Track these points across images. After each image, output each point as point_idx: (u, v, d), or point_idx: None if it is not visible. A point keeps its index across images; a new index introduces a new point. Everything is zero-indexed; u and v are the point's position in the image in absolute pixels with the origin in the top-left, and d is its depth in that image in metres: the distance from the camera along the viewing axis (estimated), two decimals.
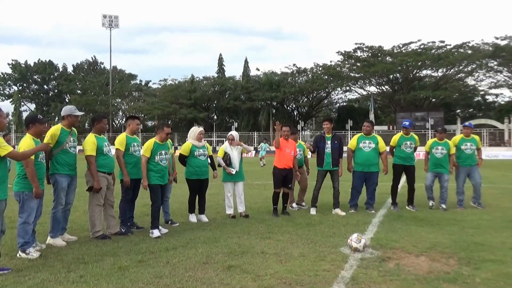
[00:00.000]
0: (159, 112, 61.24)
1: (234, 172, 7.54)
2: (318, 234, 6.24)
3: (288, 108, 65.06)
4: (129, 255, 5.07)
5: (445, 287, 4.04)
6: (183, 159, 7.26)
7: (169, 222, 7.00)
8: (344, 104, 65.57)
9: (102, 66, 79.30)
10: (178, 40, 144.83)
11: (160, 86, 69.94)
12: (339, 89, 59.58)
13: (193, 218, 7.31)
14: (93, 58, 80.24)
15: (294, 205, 8.80)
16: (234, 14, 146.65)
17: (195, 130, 7.31)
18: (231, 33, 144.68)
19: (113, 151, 6.14)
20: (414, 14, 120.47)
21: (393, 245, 5.53)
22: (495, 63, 51.11)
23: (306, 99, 62.03)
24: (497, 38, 49.70)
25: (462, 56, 49.63)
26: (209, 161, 7.48)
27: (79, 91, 72.63)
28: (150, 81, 75.56)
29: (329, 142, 8.00)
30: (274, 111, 60.56)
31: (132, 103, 72.59)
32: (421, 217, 7.49)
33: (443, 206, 8.50)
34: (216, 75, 69.17)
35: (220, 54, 71.64)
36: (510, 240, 5.78)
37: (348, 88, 59.21)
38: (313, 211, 8.07)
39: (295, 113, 65.18)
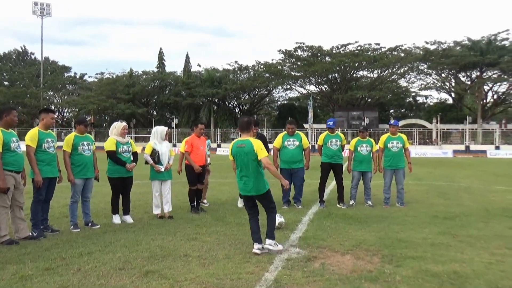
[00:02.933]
0: (95, 106, 58.71)
1: (162, 169, 7.20)
2: (247, 234, 6.02)
3: (230, 105, 64.85)
4: (36, 262, 4.59)
5: (366, 286, 4.01)
6: (114, 155, 6.77)
7: (89, 224, 6.51)
8: (285, 102, 66.51)
9: (32, 56, 74.51)
10: (118, 33, 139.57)
11: (96, 80, 66.94)
12: (280, 87, 60.21)
13: (116, 219, 6.87)
14: (23, 48, 75.26)
15: (205, 201, 8.73)
16: (177, 9, 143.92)
17: (119, 125, 6.88)
18: (174, 28, 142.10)
19: (23, 147, 5.59)
20: (352, 16, 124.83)
21: (321, 244, 5.48)
22: (425, 66, 54.12)
23: (247, 97, 62.13)
24: (427, 43, 52.70)
25: (396, 58, 52.02)
26: (132, 158, 7.06)
27: (6, 83, 67.72)
28: (86, 74, 72.21)
29: None
30: (215, 107, 60.10)
31: (65, 97, 68.90)
32: (350, 215, 7.56)
33: (369, 203, 8.67)
34: (156, 70, 67.44)
35: (161, 49, 70.32)
36: (431, 236, 5.94)
37: (289, 86, 60.02)
38: (240, 203, 8.31)
39: (237, 110, 65.11)
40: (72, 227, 6.27)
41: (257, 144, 5.14)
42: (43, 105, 62.85)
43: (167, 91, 63.73)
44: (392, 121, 9.29)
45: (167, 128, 7.20)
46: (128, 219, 6.93)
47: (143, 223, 6.85)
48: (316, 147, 8.78)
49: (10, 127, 5.57)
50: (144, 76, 64.98)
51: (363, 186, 8.81)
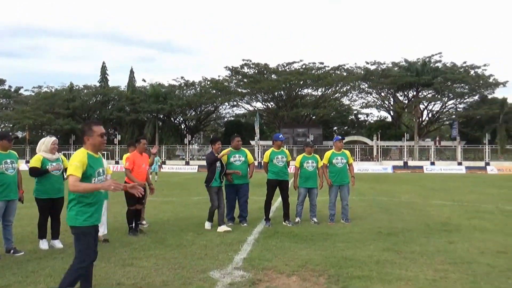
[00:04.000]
0: (31, 122, 55.45)
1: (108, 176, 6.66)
2: (188, 256, 5.70)
3: (176, 121, 63.86)
4: None
5: None
6: (36, 171, 6.12)
7: (11, 251, 5.83)
8: (232, 118, 66.55)
9: None
10: (57, 45, 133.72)
11: (33, 94, 63.44)
12: (226, 103, 60.24)
13: (43, 244, 6.23)
14: None
15: (144, 222, 8.26)
16: (121, 23, 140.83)
17: (47, 140, 6.28)
18: (118, 42, 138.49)
19: None
20: (297, 36, 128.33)
21: (266, 265, 5.24)
22: (366, 85, 56.54)
23: (194, 113, 61.51)
24: (367, 63, 55.21)
25: (338, 77, 53.90)
26: (65, 175, 6.48)
27: None
28: (22, 87, 68.14)
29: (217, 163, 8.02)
30: (160, 123, 58.89)
31: None
32: (296, 233, 7.40)
33: (315, 219, 8.59)
34: (98, 84, 65.17)
35: (104, 63, 68.06)
36: (376, 253, 5.89)
37: (235, 103, 60.23)
38: (208, 225, 7.90)
39: (183, 126, 64.19)
40: None
41: None
42: None
43: (110, 106, 61.66)
44: (336, 137, 9.28)
45: (53, 138, 6.27)
46: (57, 244, 6.31)
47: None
48: (262, 164, 8.60)
49: None
50: (85, 91, 62.56)
51: (309, 202, 8.72)
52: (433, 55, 54.06)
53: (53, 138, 6.37)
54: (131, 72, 65.80)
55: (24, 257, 5.69)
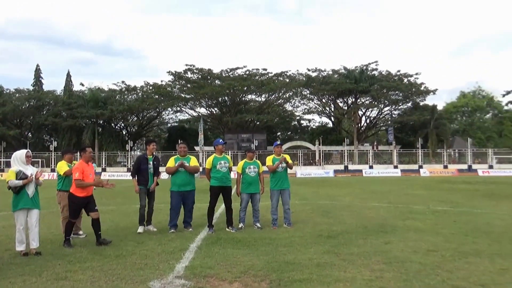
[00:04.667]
0: None
1: (33, 176, 6.30)
2: (128, 267, 5.51)
3: (116, 127, 61.82)
4: None
5: None
6: None
7: None
8: (175, 124, 65.58)
9: None
10: None
11: None
12: (170, 109, 59.29)
13: None
14: None
15: (81, 232, 8.01)
16: (55, 22, 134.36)
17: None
18: (52, 44, 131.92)
19: None
20: (240, 41, 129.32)
21: (208, 273, 5.19)
22: (308, 91, 57.99)
23: (136, 118, 59.90)
24: (309, 70, 56.73)
25: (281, 84, 54.84)
26: None
27: None
28: None
29: (151, 162, 8.43)
30: (100, 129, 56.75)
31: None
32: (239, 239, 7.40)
33: (258, 225, 8.65)
34: (32, 88, 61.66)
35: (38, 66, 64.72)
36: (317, 256, 6.03)
37: (179, 108, 59.40)
38: (140, 229, 8.25)
39: (124, 132, 62.27)
40: None
41: None
42: None
43: (44, 112, 58.56)
44: (276, 143, 9.46)
45: (27, 150, 6.29)
46: None
47: (2, 262, 5.84)
48: (205, 170, 8.57)
49: None
50: (17, 95, 59.03)
51: (252, 208, 8.76)
52: (370, 63, 56.66)
53: (26, 151, 6.02)
54: (68, 75, 63.00)
55: None
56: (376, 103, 56.53)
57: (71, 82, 62.63)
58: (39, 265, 5.62)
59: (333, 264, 5.57)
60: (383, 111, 58.76)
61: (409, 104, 58.69)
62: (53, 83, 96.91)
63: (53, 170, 50.22)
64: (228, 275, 5.09)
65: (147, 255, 6.20)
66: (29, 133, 61.53)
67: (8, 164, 47.45)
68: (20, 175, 6.31)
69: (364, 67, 56.52)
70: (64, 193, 7.71)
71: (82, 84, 60.13)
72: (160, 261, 5.83)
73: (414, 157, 54.60)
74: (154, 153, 8.68)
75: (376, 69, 56.77)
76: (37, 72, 64.10)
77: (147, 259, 5.98)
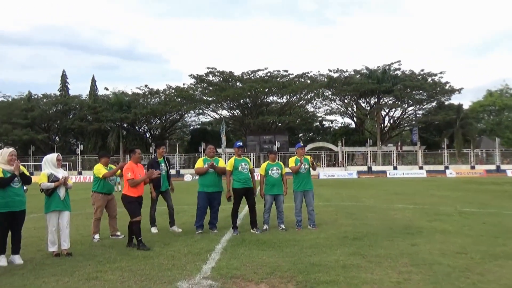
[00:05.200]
0: None
1: (62, 179, 6.48)
2: (156, 268, 5.61)
3: (140, 130, 62.81)
4: None
5: None
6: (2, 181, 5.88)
7: None
8: (198, 126, 66.18)
9: None
10: (12, 53, 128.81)
11: None
12: (192, 112, 59.86)
13: (2, 261, 5.95)
14: None
15: (118, 233, 8.14)
16: (81, 29, 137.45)
17: (4, 151, 6.04)
18: (77, 50, 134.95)
19: None
20: (262, 44, 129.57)
21: (234, 274, 5.23)
22: (330, 92, 57.62)
23: (159, 121, 60.71)
24: (330, 71, 56.35)
25: (303, 85, 54.67)
26: (24, 188, 6.26)
27: None
28: None
29: (162, 164, 8.60)
30: (124, 132, 57.74)
31: None
32: (264, 240, 7.43)
33: (282, 226, 8.65)
34: (58, 93, 63.28)
35: (64, 71, 66.38)
36: (343, 258, 6.00)
37: (201, 111, 59.94)
38: (154, 229, 8.53)
39: (148, 135, 63.21)
40: None
41: None
42: None
43: (71, 116, 60.00)
44: (299, 144, 9.47)
45: (11, 149, 6.29)
46: (17, 259, 6.06)
47: (35, 263, 6.04)
48: (226, 172, 8.61)
49: None
50: (44, 100, 60.65)
51: (276, 209, 8.77)
52: (392, 63, 55.92)
53: (11, 149, 6.14)
54: (93, 80, 64.37)
55: None
56: (399, 103, 55.73)
57: (96, 87, 64.01)
58: (70, 266, 5.78)
59: (360, 266, 5.54)
60: (407, 111, 57.92)
61: (434, 104, 57.68)
62: (79, 88, 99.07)
63: (79, 173, 51.47)
64: (254, 276, 5.12)
65: (174, 256, 6.29)
66: (57, 137, 63.10)
67: (36, 168, 48.82)
68: (51, 178, 6.51)
69: (387, 67, 55.83)
70: (99, 194, 7.93)
71: (106, 89, 61.32)
72: (187, 262, 5.91)
73: (439, 158, 53.56)
74: (164, 155, 8.94)
75: (399, 69, 56.03)
76: (63, 77, 65.75)
77: (174, 260, 6.07)
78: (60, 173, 6.62)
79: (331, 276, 5.06)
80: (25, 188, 6.36)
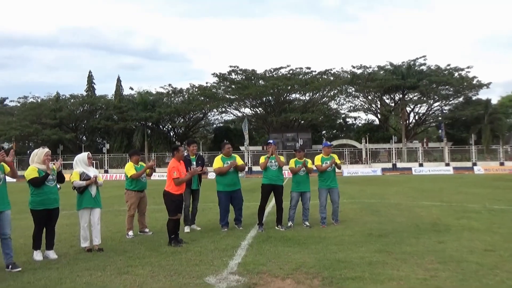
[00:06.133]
0: (17, 133, 54.90)
1: (94, 179, 6.72)
2: (184, 263, 5.76)
3: (164, 128, 63.71)
4: None
5: None
6: (38, 180, 6.12)
7: (10, 266, 5.60)
8: (221, 125, 66.62)
9: None
10: (40, 55, 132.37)
11: (19, 104, 62.82)
12: (215, 110, 60.33)
13: (38, 255, 6.21)
14: None
15: (147, 229, 8.33)
16: (106, 30, 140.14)
17: (40, 151, 6.32)
18: (103, 50, 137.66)
19: None
20: (283, 41, 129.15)
21: (260, 269, 5.32)
22: (353, 89, 57.08)
23: (182, 120, 61.43)
24: (353, 67, 55.79)
25: (326, 82, 54.33)
26: (58, 186, 6.51)
27: None
28: (7, 98, 67.46)
29: (194, 163, 8.47)
30: (149, 131, 58.68)
31: None
32: (289, 237, 7.50)
33: (307, 223, 8.71)
34: (85, 93, 64.77)
35: (90, 72, 67.88)
36: (368, 255, 6.01)
37: (224, 109, 60.33)
38: (187, 229, 8.41)
39: (172, 134, 64.06)
40: None
41: None
42: None
43: (97, 116, 61.39)
44: (325, 143, 9.56)
45: (46, 149, 6.51)
46: (52, 254, 6.32)
47: (69, 258, 6.28)
48: (260, 165, 8.67)
49: None
50: (72, 100, 62.21)
51: (302, 206, 8.83)
52: (417, 58, 54.95)
53: (46, 150, 6.40)
54: (118, 80, 65.66)
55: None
56: (425, 98, 54.74)
57: (121, 87, 65.27)
58: (102, 260, 5.99)
59: (385, 263, 5.54)
60: (432, 106, 56.86)
61: (461, 99, 56.35)
62: (105, 88, 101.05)
63: (106, 172, 52.58)
64: (280, 272, 5.20)
65: (201, 252, 6.43)
66: (84, 136, 64.65)
67: (65, 166, 50.13)
68: (83, 176, 6.75)
69: (412, 62, 54.88)
70: (132, 192, 8.14)
71: (131, 88, 62.35)
72: (214, 257, 6.04)
73: (467, 154, 52.35)
74: (196, 153, 8.86)
75: (424, 64, 55.02)
76: (90, 78, 67.25)
77: (201, 255, 6.21)
78: (91, 172, 6.85)
79: (356, 272, 5.09)
80: (58, 186, 6.61)
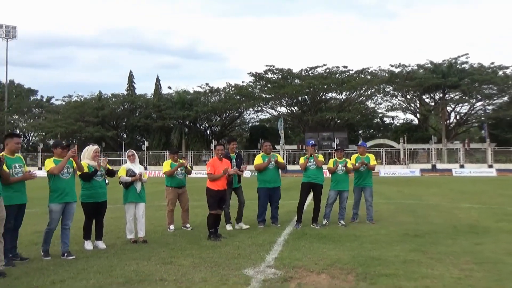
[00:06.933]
0: (62, 130, 57.41)
1: (138, 176, 7.13)
2: (223, 256, 6.06)
3: (201, 127, 64.82)
4: None
5: None
6: (87, 174, 6.58)
7: (65, 254, 6.11)
8: (256, 124, 67.00)
9: None
10: (84, 55, 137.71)
11: (64, 103, 65.70)
12: (251, 109, 60.78)
13: (88, 245, 6.70)
14: None
15: (188, 225, 8.64)
16: (146, 30, 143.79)
17: (90, 148, 6.79)
18: (143, 50, 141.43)
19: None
20: (320, 40, 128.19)
21: (296, 264, 5.54)
22: (391, 88, 55.99)
23: (219, 119, 62.29)
24: (392, 66, 54.76)
25: (363, 81, 53.60)
26: (106, 181, 6.96)
27: None
28: (53, 97, 70.69)
29: (234, 160, 8.58)
30: (186, 130, 59.91)
31: (31, 120, 67.20)
32: (324, 234, 7.67)
33: (342, 222, 8.84)
34: (126, 92, 66.85)
35: (131, 71, 69.92)
36: (403, 254, 6.10)
37: (259, 108, 60.66)
38: (229, 227, 8.42)
39: (208, 132, 65.07)
40: (43, 254, 6.01)
41: None
42: (7, 130, 61.07)
43: (137, 114, 63.20)
44: (360, 143, 9.71)
45: (96, 147, 6.89)
46: (101, 244, 6.78)
47: (116, 248, 6.72)
48: (300, 165, 8.89)
49: None
50: (113, 99, 64.33)
51: (339, 205, 8.97)
52: (459, 56, 53.25)
53: (95, 147, 6.87)
54: (157, 79, 67.37)
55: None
56: (467, 98, 52.98)
57: (160, 86, 66.91)
58: (147, 251, 6.39)
59: (420, 262, 5.62)
60: (475, 106, 54.92)
61: (505, 98, 54.04)
62: (144, 87, 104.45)
63: (145, 169, 54.08)
64: (315, 267, 5.39)
65: (239, 246, 6.71)
66: (124, 134, 66.74)
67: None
68: (129, 173, 7.19)
69: (453, 61, 53.23)
70: (169, 188, 8.56)
71: (169, 88, 63.92)
72: (251, 252, 6.30)
73: (511, 156, 50.27)
74: (236, 151, 8.97)
75: (466, 62, 53.20)
76: (130, 77, 69.35)
77: (239, 250, 6.49)
78: (137, 169, 7.28)
79: (390, 269, 5.21)
80: (107, 181, 7.06)
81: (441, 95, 54.26)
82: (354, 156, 9.26)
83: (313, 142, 8.97)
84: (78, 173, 6.59)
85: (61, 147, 6.35)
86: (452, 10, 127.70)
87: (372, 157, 9.32)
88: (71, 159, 6.18)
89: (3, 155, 5.62)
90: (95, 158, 6.75)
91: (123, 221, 7.94)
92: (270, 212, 8.90)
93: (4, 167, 5.49)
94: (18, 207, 5.73)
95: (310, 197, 8.94)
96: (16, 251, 5.93)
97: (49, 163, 6.12)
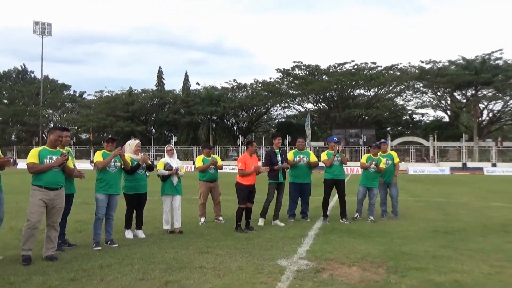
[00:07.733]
0: (94, 124, 59.06)
1: (175, 171, 7.46)
2: (256, 247, 6.32)
3: (228, 123, 65.37)
4: (60, 274, 4.83)
5: None
6: (131, 168, 6.93)
7: (109, 242, 6.50)
8: (283, 120, 67.09)
9: (32, 75, 75.10)
10: (115, 51, 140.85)
11: (95, 98, 67.51)
12: (278, 105, 60.90)
13: (129, 234, 7.11)
14: (22, 67, 75.78)
15: (220, 218, 8.92)
16: (174, 27, 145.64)
17: (132, 143, 7.18)
18: (171, 47, 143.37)
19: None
20: (348, 36, 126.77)
21: (328, 257, 5.74)
22: (421, 84, 55.00)
23: (246, 114, 62.70)
24: (422, 62, 53.77)
25: (392, 77, 52.85)
26: (147, 174, 7.33)
27: (5, 101, 68.20)
28: (85, 92, 72.72)
29: (279, 156, 8.55)
30: (214, 125, 60.57)
31: (65, 115, 69.38)
32: (354, 229, 7.83)
33: (371, 218, 8.99)
34: (155, 88, 68.06)
35: (160, 67, 71.24)
36: (433, 249, 6.22)
37: (286, 104, 60.72)
38: (261, 222, 8.47)
39: (235, 128, 65.57)
40: (94, 245, 6.27)
41: None
42: (42, 123, 63.33)
43: (166, 109, 64.28)
44: (382, 140, 9.92)
45: (137, 141, 7.22)
46: (140, 234, 7.16)
47: (155, 237, 7.09)
48: (326, 164, 9.03)
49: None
50: (143, 94, 65.61)
51: (368, 201, 9.11)
52: (493, 52, 51.81)
53: (137, 141, 7.25)
54: (186, 75, 68.15)
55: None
56: (500, 95, 51.47)
57: (188, 82, 67.71)
58: (184, 241, 6.72)
59: (450, 257, 5.74)
60: (508, 103, 53.28)
61: None
62: (173, 83, 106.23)
63: None
64: (346, 260, 5.59)
65: (272, 239, 6.96)
66: (153, 129, 68.04)
67: None
68: (167, 166, 7.54)
69: (486, 57, 51.82)
70: (202, 182, 8.90)
71: (198, 83, 64.84)
72: (284, 244, 6.54)
73: None
74: (280, 147, 8.81)
75: (500, 58, 51.68)
76: (160, 73, 70.51)
77: (272, 242, 6.74)
78: (174, 163, 7.62)
79: (420, 264, 5.35)
80: (147, 174, 7.43)
81: (473, 92, 52.98)
82: (365, 156, 9.41)
83: (336, 139, 9.09)
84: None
85: (105, 141, 6.77)
86: (485, 3, 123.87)
87: (394, 154, 9.53)
88: (119, 155, 6.53)
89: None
90: (136, 152, 7.12)
91: (159, 213, 8.31)
92: (299, 208, 9.12)
93: (69, 162, 5.87)
94: (67, 197, 6.13)
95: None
96: (64, 237, 6.36)
97: (98, 156, 6.54)
